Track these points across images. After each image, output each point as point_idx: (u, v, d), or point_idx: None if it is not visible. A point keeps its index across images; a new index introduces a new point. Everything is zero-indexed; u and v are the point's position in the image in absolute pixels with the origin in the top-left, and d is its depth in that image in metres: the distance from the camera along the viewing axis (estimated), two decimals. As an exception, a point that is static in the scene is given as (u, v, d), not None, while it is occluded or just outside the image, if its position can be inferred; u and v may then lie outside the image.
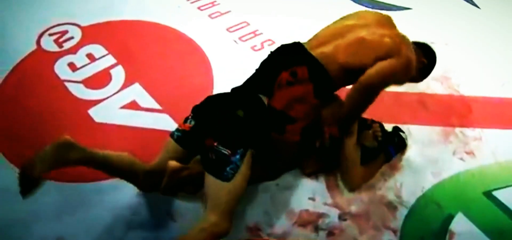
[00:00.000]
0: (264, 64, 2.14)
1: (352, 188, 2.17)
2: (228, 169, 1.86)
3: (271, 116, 2.00)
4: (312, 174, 2.23)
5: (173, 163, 1.99)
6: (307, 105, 2.05)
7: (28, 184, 1.78)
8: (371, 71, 2.04)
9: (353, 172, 2.17)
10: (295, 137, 2.07)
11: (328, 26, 2.23)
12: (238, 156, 1.88)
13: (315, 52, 2.08)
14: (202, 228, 1.81)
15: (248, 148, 1.91)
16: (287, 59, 2.07)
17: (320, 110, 2.13)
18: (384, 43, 2.09)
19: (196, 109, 2.05)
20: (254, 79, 2.11)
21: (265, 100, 2.01)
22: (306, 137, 2.12)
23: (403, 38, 2.17)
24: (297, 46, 2.15)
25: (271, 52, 2.17)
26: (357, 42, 2.10)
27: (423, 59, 2.27)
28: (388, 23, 2.21)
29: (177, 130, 2.04)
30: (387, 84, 2.12)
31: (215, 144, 1.89)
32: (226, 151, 1.87)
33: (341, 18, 2.26)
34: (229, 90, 2.12)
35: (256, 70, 2.14)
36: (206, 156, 1.92)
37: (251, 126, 1.95)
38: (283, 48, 2.17)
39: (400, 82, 2.23)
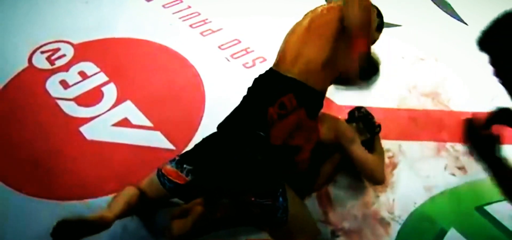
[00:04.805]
0: (246, 100, 2.04)
1: (380, 181, 2.21)
2: (278, 215, 1.87)
3: (278, 154, 1.95)
4: (323, 186, 2.23)
5: (200, 208, 1.98)
6: (305, 130, 1.99)
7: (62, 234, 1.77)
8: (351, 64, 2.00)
9: (372, 167, 2.19)
10: (306, 164, 2.04)
11: (288, 40, 2.11)
12: (280, 199, 1.87)
13: (293, 73, 1.98)
14: None
15: (283, 184, 1.90)
16: (270, 93, 1.97)
17: (318, 129, 2.09)
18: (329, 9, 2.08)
19: (195, 162, 1.94)
20: (241, 116, 2.00)
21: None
22: (314, 159, 2.09)
23: None
24: (273, 74, 2.05)
25: (249, 88, 2.07)
26: (313, 29, 2.04)
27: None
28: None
29: (168, 180, 1.92)
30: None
31: (253, 199, 1.86)
32: (268, 202, 1.86)
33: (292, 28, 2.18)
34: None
35: (240, 105, 2.03)
36: (246, 212, 1.92)
37: (274, 164, 1.92)
38: (261, 81, 2.07)
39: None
